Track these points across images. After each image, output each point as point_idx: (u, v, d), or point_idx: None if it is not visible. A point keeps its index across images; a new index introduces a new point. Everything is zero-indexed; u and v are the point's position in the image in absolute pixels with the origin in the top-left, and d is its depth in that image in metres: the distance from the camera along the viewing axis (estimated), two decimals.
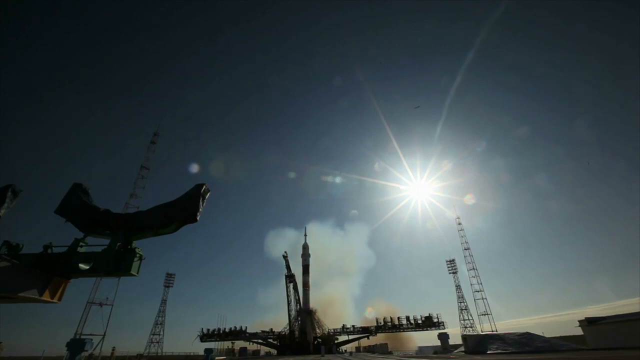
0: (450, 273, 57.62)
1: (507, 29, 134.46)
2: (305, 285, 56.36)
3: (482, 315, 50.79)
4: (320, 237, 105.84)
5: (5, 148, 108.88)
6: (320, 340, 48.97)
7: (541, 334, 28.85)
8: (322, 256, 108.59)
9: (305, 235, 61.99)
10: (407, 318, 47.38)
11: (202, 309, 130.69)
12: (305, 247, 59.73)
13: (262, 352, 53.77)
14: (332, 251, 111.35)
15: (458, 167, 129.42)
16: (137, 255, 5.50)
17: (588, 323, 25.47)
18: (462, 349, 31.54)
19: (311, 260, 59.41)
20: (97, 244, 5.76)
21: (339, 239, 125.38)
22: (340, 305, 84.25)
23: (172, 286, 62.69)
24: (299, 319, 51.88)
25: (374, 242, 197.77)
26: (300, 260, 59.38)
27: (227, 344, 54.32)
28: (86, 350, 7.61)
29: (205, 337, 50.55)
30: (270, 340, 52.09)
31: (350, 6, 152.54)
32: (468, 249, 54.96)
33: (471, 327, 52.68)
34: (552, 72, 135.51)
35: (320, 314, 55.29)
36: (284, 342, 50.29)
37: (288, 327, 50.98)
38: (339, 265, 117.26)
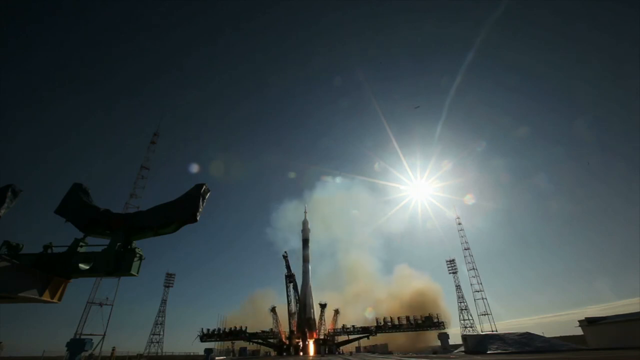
0: (450, 273, 57.73)
1: (507, 29, 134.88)
2: (305, 259, 56.95)
3: (482, 315, 50.81)
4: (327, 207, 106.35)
5: (5, 148, 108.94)
6: (320, 340, 48.88)
7: (541, 334, 28.85)
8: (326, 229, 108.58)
9: (305, 212, 65.36)
10: (407, 318, 47.33)
11: (202, 309, 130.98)
12: (305, 223, 62.74)
13: (261, 352, 53.68)
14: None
15: (458, 167, 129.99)
16: (137, 255, 5.51)
17: (588, 323, 25.42)
18: (462, 349, 31.53)
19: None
20: (97, 244, 5.77)
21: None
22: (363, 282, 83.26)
23: (172, 286, 62.84)
24: (299, 301, 51.31)
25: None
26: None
27: (227, 344, 54.32)
28: (86, 350, 7.63)
29: (205, 337, 50.46)
30: (270, 341, 52.03)
31: (350, 6, 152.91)
32: (468, 249, 54.98)
33: (471, 327, 52.70)
34: (552, 72, 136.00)
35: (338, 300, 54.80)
36: (282, 343, 50.25)
37: (288, 327, 50.95)
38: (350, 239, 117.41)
